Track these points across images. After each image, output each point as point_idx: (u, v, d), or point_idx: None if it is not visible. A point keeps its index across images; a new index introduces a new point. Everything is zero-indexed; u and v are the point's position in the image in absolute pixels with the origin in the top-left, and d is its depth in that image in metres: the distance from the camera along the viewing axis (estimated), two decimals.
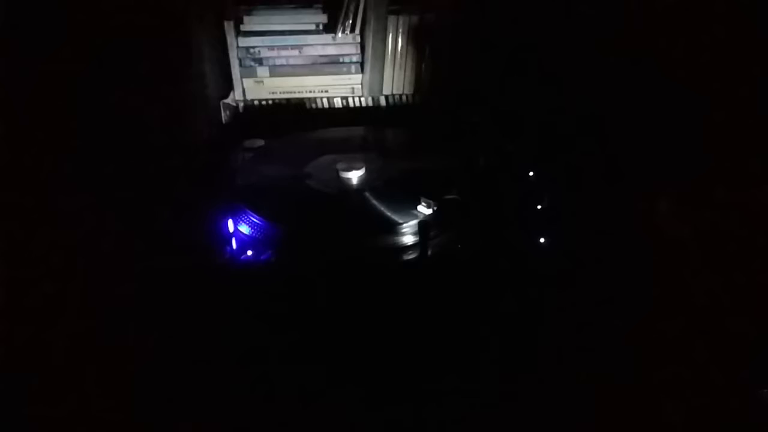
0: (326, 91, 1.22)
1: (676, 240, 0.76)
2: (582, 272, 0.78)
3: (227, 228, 0.78)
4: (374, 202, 0.85)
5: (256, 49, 1.17)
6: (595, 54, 0.92)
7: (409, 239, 0.78)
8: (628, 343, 0.72)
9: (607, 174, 0.88)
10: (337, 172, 0.90)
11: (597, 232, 0.83)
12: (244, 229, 0.80)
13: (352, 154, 0.96)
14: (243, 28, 1.15)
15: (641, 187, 0.83)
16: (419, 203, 0.81)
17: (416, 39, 1.17)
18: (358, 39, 1.17)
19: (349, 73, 1.20)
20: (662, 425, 0.67)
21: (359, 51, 1.19)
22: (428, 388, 0.71)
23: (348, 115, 1.22)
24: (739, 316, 0.67)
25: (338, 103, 1.22)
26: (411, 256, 0.77)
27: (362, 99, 1.22)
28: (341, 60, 1.19)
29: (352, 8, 1.14)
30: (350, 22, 1.15)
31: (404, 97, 1.22)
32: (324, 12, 1.16)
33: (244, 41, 1.16)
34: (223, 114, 1.19)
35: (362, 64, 1.20)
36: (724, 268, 0.68)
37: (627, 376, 0.70)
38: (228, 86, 1.20)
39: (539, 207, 0.85)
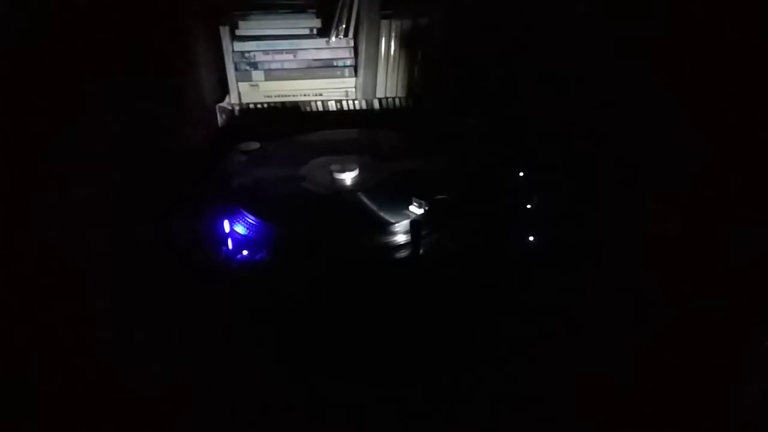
0: (320, 95, 1.23)
1: (670, 239, 0.77)
2: (573, 271, 0.79)
3: (223, 228, 0.79)
4: (367, 202, 0.86)
5: (251, 54, 1.18)
6: (590, 55, 0.93)
7: (401, 238, 0.80)
8: (625, 343, 0.72)
9: (600, 174, 0.89)
10: (331, 173, 0.92)
11: (588, 232, 0.84)
12: (240, 229, 0.81)
13: (346, 155, 0.98)
14: (238, 32, 1.16)
15: (634, 187, 0.84)
16: (411, 203, 0.83)
17: (409, 43, 1.18)
18: (352, 43, 1.19)
19: (342, 76, 1.22)
20: (660, 425, 0.68)
21: (353, 55, 1.20)
22: (421, 386, 0.72)
23: (342, 117, 1.23)
24: (737, 314, 0.68)
25: (332, 106, 1.24)
26: (403, 255, 0.78)
27: (356, 102, 1.24)
28: (335, 64, 1.21)
29: (345, 13, 1.16)
30: (344, 26, 1.17)
31: (397, 100, 1.24)
32: (318, 17, 1.18)
33: (239, 46, 1.17)
34: (219, 117, 1.20)
35: (356, 68, 1.21)
36: (722, 268, 0.69)
37: (623, 376, 0.71)
38: (224, 90, 1.22)
39: (528, 207, 0.87)
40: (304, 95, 1.23)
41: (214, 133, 1.18)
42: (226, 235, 0.78)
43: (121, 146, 0.78)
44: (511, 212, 0.86)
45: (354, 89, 1.23)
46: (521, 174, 0.93)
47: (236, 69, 1.19)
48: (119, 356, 0.68)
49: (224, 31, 1.16)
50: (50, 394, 0.60)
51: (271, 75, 1.21)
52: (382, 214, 0.83)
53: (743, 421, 0.66)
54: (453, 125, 1.05)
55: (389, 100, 1.24)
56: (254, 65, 1.19)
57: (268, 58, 1.19)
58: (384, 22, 1.17)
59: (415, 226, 0.77)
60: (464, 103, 1.15)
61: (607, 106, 0.89)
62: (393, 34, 1.18)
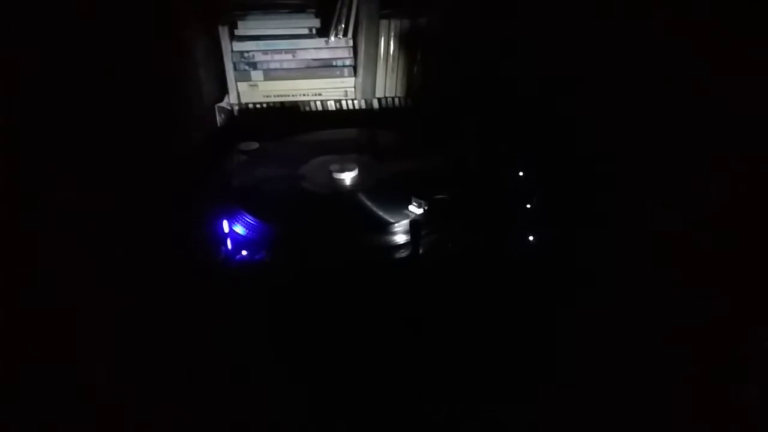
0: (320, 94, 1.23)
1: (670, 239, 0.77)
2: (572, 270, 0.79)
3: (222, 228, 0.79)
4: (366, 202, 0.86)
5: (251, 54, 1.18)
6: (591, 54, 0.93)
7: (400, 238, 0.80)
8: (624, 343, 0.72)
9: (599, 173, 0.89)
10: (330, 173, 0.92)
11: (587, 231, 0.84)
12: (239, 229, 0.81)
13: (345, 155, 0.98)
14: (237, 32, 1.16)
15: (634, 185, 0.84)
16: (411, 203, 0.83)
17: (408, 42, 1.18)
18: (351, 43, 1.19)
19: (342, 76, 1.22)
20: (661, 425, 0.68)
21: (352, 54, 1.20)
22: (421, 386, 0.72)
23: (341, 117, 1.23)
24: (737, 314, 0.68)
25: (331, 105, 1.24)
26: (403, 255, 0.78)
27: (355, 102, 1.24)
28: (334, 63, 1.21)
29: (344, 13, 1.16)
30: (343, 26, 1.17)
31: (396, 100, 1.24)
32: (317, 16, 1.18)
33: (238, 46, 1.17)
34: (218, 117, 1.20)
35: (355, 68, 1.21)
36: (722, 268, 0.69)
37: (622, 375, 0.71)
38: (223, 90, 1.22)
39: (528, 207, 0.87)
40: (304, 95, 1.23)
41: (213, 133, 1.18)
42: (226, 236, 0.78)
43: (120, 146, 0.78)
44: (511, 212, 0.86)
45: (353, 89, 1.23)
46: (521, 174, 0.93)
47: (235, 69, 1.19)
48: (118, 356, 0.68)
49: (223, 31, 1.15)
50: (50, 394, 0.60)
51: (270, 75, 1.20)
52: (381, 214, 0.83)
53: (743, 421, 0.66)
54: (452, 125, 1.05)
55: (388, 99, 1.24)
56: (253, 65, 1.19)
57: (267, 57, 1.19)
58: (383, 22, 1.17)
59: (415, 226, 0.77)
60: (464, 103, 1.14)
61: (607, 105, 0.89)
62: (392, 34, 1.18)
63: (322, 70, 1.21)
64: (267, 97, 1.22)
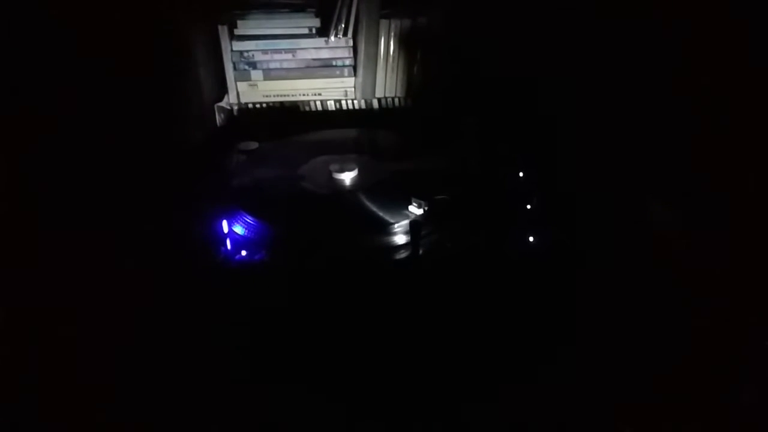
0: (319, 94, 1.23)
1: (670, 239, 0.77)
2: (572, 270, 0.79)
3: (222, 228, 0.79)
4: (366, 202, 0.86)
5: (250, 53, 1.18)
6: (591, 54, 0.93)
7: (400, 239, 0.80)
8: (624, 343, 0.72)
9: (599, 173, 0.89)
10: (330, 173, 0.92)
11: (587, 231, 0.84)
12: (239, 229, 0.81)
13: (345, 155, 0.98)
14: (237, 32, 1.16)
15: (634, 185, 0.84)
16: (410, 203, 0.83)
17: (408, 42, 1.18)
18: (351, 42, 1.19)
19: (342, 76, 1.22)
20: (661, 424, 0.68)
21: (352, 54, 1.20)
22: (421, 386, 0.72)
23: (341, 117, 1.23)
24: (737, 314, 0.68)
25: (331, 105, 1.23)
26: (403, 255, 0.78)
27: (355, 101, 1.24)
28: (334, 63, 1.21)
29: (344, 12, 1.16)
30: (343, 26, 1.17)
31: (396, 100, 1.24)
32: (317, 16, 1.18)
33: (238, 45, 1.17)
34: (217, 117, 1.20)
35: (355, 68, 1.21)
36: (720, 267, 0.69)
37: (622, 375, 0.71)
38: (222, 90, 1.21)
39: (528, 207, 0.87)
40: (303, 95, 1.22)
41: (212, 132, 1.18)
42: (225, 236, 0.78)
43: (120, 145, 0.78)
44: (511, 212, 0.86)
45: (353, 89, 1.23)
46: (521, 174, 0.93)
47: (235, 68, 1.19)
48: (118, 355, 0.68)
49: (223, 31, 1.15)
50: (50, 393, 0.60)
51: (270, 74, 1.20)
52: (381, 214, 0.83)
53: (743, 421, 0.66)
54: (452, 125, 1.05)
55: (388, 99, 1.24)
56: (253, 65, 1.19)
57: (267, 57, 1.19)
58: (383, 22, 1.16)
59: (415, 226, 0.77)
60: (463, 103, 1.14)
61: (607, 106, 0.89)
62: (392, 34, 1.18)
63: (322, 69, 1.21)
64: (267, 96, 1.22)
